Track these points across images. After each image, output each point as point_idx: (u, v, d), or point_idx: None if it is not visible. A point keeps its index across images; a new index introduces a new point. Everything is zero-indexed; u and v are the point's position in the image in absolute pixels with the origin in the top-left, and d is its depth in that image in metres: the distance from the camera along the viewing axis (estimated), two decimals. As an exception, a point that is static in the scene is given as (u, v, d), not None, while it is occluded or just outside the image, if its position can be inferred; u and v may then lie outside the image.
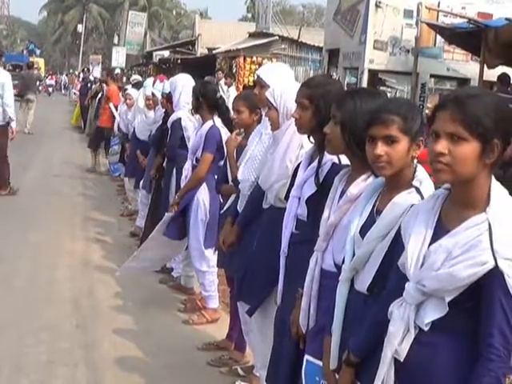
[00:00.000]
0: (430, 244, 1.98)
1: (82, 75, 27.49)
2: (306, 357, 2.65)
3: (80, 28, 59.50)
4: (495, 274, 1.86)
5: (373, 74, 13.97)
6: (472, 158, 1.91)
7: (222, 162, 4.85)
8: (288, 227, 3.02)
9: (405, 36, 13.79)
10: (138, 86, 9.79)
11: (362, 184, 2.51)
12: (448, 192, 2.05)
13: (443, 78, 14.37)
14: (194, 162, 5.22)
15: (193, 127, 5.67)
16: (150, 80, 8.15)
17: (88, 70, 24.41)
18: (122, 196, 9.94)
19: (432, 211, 2.04)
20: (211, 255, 5.14)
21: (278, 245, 3.09)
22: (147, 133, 7.55)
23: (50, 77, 46.72)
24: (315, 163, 2.89)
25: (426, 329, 1.98)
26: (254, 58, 17.94)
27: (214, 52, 22.02)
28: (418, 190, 2.26)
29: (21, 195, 9.71)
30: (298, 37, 21.50)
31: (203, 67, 18.95)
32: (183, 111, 5.87)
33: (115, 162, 10.62)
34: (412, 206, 2.16)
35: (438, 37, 13.06)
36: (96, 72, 28.53)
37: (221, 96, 5.38)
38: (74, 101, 27.05)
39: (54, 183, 11.10)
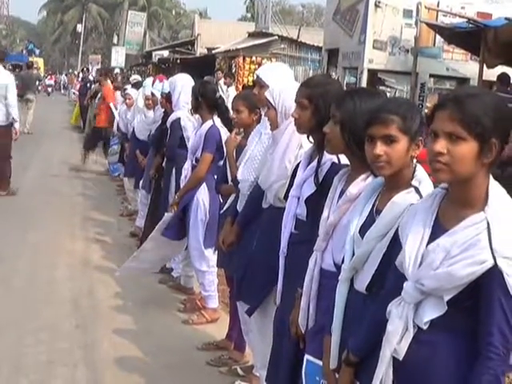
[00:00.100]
0: (428, 243, 1.99)
1: (81, 75, 27.53)
2: (307, 356, 2.65)
3: (79, 28, 59.45)
4: (494, 272, 1.86)
5: (372, 73, 13.96)
6: (470, 157, 1.91)
7: (221, 162, 4.85)
8: (287, 227, 3.02)
9: (404, 36, 13.78)
10: (137, 85, 9.78)
11: (362, 184, 2.51)
12: (445, 191, 2.05)
13: (443, 78, 14.34)
14: (194, 161, 5.22)
15: (192, 127, 5.67)
16: (149, 80, 8.14)
17: (87, 69, 24.45)
18: (122, 196, 9.93)
19: (430, 210, 2.04)
20: (211, 255, 5.14)
21: (277, 245, 3.09)
22: (146, 133, 7.54)
23: (49, 77, 46.61)
24: (314, 163, 2.89)
25: (424, 328, 1.98)
26: (254, 58, 17.91)
27: (213, 52, 21.97)
28: (417, 190, 2.26)
29: (20, 195, 9.70)
30: (298, 36, 21.48)
31: (203, 67, 18.94)
32: (183, 111, 5.86)
33: (115, 161, 10.59)
34: (410, 205, 2.17)
35: (438, 36, 13.05)
36: (95, 72, 28.52)
37: (220, 96, 5.38)
38: (74, 100, 27.04)
39: (54, 183, 11.09)
